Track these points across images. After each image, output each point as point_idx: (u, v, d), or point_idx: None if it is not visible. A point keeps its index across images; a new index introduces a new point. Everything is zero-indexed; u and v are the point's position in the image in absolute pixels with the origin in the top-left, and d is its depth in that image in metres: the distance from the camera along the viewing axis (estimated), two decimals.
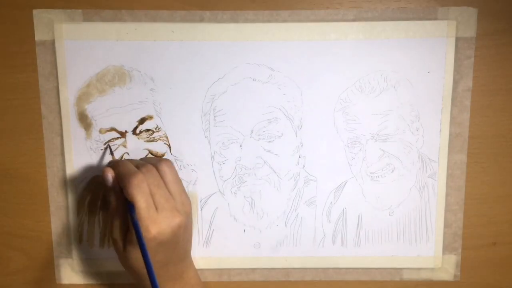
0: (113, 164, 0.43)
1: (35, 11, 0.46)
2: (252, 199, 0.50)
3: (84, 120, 0.48)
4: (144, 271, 0.39)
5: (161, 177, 0.42)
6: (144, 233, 0.39)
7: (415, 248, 0.51)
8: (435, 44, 0.47)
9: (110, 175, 0.42)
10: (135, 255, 0.41)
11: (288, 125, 0.48)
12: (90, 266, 0.51)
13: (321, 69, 0.48)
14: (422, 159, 0.49)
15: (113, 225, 0.42)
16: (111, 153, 0.48)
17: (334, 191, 0.50)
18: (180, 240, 0.43)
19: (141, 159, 0.47)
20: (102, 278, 0.51)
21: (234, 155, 0.49)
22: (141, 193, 0.39)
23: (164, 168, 0.42)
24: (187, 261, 0.46)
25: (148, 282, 0.38)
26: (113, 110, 0.48)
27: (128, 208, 0.40)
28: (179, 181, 0.44)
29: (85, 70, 0.47)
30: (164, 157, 0.48)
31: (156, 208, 0.40)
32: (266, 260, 0.51)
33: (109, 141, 0.48)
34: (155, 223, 0.40)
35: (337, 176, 0.50)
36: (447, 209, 0.50)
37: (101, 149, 0.49)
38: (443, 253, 0.51)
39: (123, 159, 0.48)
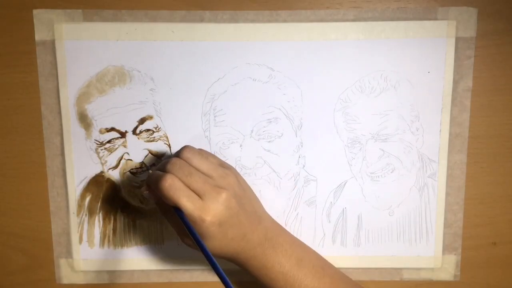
0: (146, 180, 0.43)
1: (35, 11, 0.46)
2: None
3: (84, 120, 0.48)
4: (232, 251, 0.42)
5: (189, 164, 0.41)
6: (201, 223, 0.39)
7: (415, 248, 0.51)
8: (435, 44, 0.47)
9: (146, 192, 0.42)
10: (210, 245, 0.41)
11: (288, 125, 0.48)
12: (90, 266, 0.51)
13: (321, 69, 0.48)
14: (422, 159, 0.49)
15: (179, 233, 0.43)
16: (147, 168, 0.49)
17: (334, 191, 0.50)
18: (240, 208, 0.41)
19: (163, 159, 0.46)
20: (102, 278, 0.51)
21: (234, 155, 0.49)
22: (176, 191, 0.39)
23: (186, 155, 0.42)
24: (264, 221, 0.45)
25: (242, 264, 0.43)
26: (113, 110, 0.48)
27: (175, 212, 0.40)
28: (208, 157, 0.43)
29: (85, 70, 0.47)
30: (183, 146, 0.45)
31: (199, 195, 0.40)
32: None
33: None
34: (204, 209, 0.39)
35: (337, 176, 0.50)
36: (447, 209, 0.50)
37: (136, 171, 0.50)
38: (443, 253, 0.51)
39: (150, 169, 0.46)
